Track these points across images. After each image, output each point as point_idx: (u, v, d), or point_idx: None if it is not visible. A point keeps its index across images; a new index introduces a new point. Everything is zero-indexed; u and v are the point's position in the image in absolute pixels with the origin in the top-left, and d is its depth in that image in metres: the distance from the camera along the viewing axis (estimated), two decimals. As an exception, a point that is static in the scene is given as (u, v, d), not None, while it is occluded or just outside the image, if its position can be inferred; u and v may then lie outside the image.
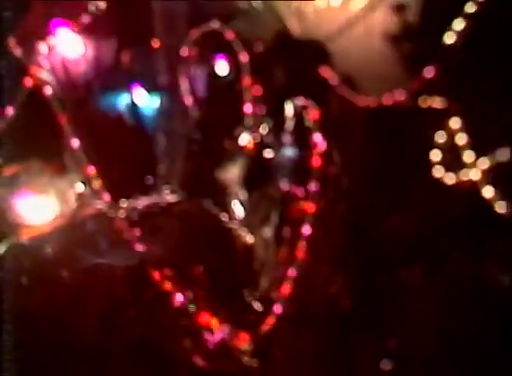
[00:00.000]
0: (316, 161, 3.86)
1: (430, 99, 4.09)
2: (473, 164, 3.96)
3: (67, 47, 4.11)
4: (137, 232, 3.74)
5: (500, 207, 3.87)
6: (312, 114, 3.91)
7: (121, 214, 3.75)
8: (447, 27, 4.01)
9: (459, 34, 3.89)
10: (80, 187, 4.12)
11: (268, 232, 3.92)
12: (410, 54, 4.20)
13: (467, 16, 3.86)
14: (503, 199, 3.85)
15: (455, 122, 4.02)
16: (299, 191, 3.90)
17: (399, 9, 4.18)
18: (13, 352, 3.50)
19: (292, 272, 3.78)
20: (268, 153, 4.03)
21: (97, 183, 3.90)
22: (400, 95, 4.17)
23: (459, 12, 4.01)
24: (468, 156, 3.97)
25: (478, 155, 3.94)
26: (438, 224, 3.81)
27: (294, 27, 4.30)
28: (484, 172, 3.91)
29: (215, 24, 4.34)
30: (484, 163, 3.94)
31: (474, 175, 3.91)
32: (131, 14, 4.36)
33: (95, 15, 4.07)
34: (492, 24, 3.98)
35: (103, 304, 3.72)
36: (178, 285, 3.65)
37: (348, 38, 4.14)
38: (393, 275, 3.77)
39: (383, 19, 4.14)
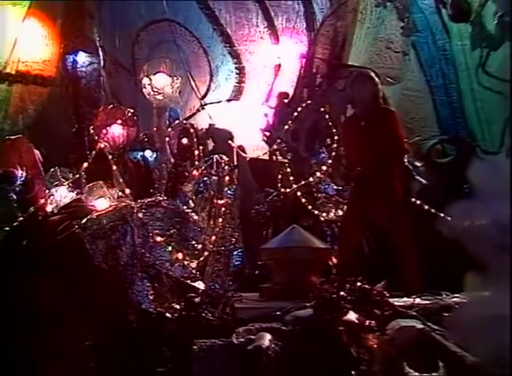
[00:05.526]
0: (226, 181, 8.05)
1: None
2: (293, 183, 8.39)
3: (115, 131, 8.50)
4: (144, 213, 7.88)
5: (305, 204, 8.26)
6: (224, 161, 8.25)
7: (137, 205, 7.55)
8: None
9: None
10: (120, 193, 7.89)
11: (204, 214, 7.81)
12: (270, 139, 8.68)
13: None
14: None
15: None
16: (219, 194, 7.93)
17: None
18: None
19: (215, 232, 7.57)
20: (205, 178, 8.07)
21: (128, 191, 7.90)
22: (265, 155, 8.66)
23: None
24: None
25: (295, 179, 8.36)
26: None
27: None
28: (299, 188, 8.31)
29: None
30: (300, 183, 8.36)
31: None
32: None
33: (128, 117, 8.53)
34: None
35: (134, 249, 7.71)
36: (163, 237, 7.38)
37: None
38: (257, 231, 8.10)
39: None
